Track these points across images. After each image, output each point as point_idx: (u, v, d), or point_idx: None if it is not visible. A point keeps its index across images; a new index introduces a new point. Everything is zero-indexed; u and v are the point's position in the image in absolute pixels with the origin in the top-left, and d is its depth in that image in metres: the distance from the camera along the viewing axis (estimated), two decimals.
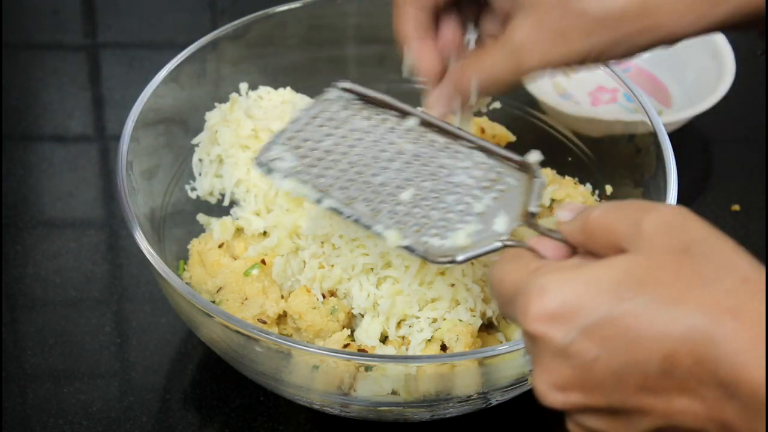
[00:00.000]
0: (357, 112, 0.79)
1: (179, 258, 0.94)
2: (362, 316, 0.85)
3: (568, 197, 0.95)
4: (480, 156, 0.75)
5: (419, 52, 0.78)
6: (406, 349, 0.84)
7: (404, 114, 0.78)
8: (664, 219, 0.55)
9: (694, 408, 0.52)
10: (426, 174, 0.75)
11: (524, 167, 0.74)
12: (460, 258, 0.70)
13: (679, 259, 0.53)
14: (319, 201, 0.74)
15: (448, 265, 0.71)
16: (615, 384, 0.54)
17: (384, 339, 0.85)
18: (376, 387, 0.79)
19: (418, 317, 0.83)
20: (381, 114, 0.79)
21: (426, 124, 0.77)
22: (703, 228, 0.55)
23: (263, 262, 0.89)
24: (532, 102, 1.06)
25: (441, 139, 0.77)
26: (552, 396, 0.56)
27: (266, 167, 0.76)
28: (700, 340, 0.51)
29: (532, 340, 0.57)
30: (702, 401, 0.52)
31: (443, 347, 0.82)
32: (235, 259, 0.91)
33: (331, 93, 0.80)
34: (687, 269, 0.53)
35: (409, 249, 0.71)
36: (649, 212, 0.56)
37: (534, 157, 0.74)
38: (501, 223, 0.70)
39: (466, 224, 0.71)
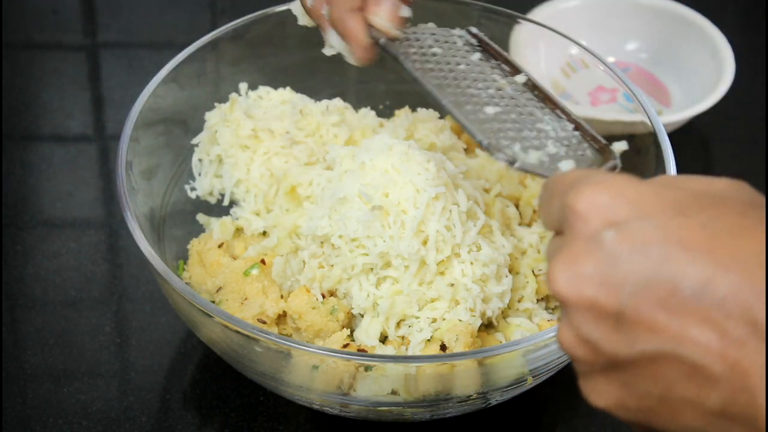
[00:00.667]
0: (474, 51, 0.80)
1: (179, 258, 0.94)
2: (362, 316, 0.85)
3: None
4: (569, 126, 0.76)
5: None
6: (406, 349, 0.84)
7: (517, 72, 0.79)
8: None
9: (709, 341, 0.49)
10: (515, 110, 0.76)
11: (604, 150, 0.74)
12: (517, 164, 0.70)
13: (747, 209, 0.52)
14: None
15: (503, 162, 0.71)
16: (638, 289, 0.50)
17: (384, 339, 0.85)
18: (376, 387, 0.79)
19: (417, 317, 0.83)
20: (496, 62, 0.80)
21: (533, 87, 0.78)
22: None
23: (263, 262, 0.89)
24: None
25: (540, 103, 0.78)
26: (564, 282, 0.52)
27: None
28: (747, 274, 0.48)
29: (569, 219, 0.53)
30: (721, 336, 0.49)
31: (443, 347, 0.82)
32: (234, 259, 0.91)
33: (458, 30, 0.81)
34: (758, 217, 0.51)
35: (471, 132, 0.72)
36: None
37: (619, 146, 0.77)
38: (567, 166, 0.71)
39: (535, 151, 0.72)
